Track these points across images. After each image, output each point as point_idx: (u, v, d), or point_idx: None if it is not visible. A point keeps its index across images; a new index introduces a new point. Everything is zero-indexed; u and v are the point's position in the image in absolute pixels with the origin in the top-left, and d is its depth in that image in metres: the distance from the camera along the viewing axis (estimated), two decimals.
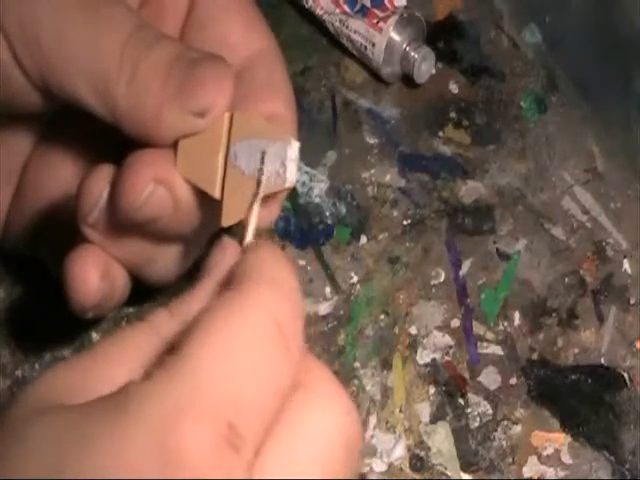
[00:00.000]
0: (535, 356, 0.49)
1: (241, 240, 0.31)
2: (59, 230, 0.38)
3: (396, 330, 0.49)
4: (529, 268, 0.51)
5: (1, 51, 0.35)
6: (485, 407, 0.48)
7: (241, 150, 0.33)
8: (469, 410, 0.48)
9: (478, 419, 0.47)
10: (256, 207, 0.32)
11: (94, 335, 0.48)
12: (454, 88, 0.56)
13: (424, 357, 0.49)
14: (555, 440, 0.47)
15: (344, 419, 0.27)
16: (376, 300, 0.50)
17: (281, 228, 0.51)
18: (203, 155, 0.34)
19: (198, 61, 0.34)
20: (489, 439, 0.47)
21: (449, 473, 0.46)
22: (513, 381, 0.48)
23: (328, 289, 0.50)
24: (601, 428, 0.47)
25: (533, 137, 0.55)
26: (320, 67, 0.57)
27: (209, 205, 0.35)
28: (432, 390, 0.48)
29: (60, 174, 0.40)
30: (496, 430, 0.47)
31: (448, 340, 0.49)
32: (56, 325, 0.46)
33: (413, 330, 0.49)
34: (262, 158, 0.32)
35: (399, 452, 0.47)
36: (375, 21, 0.54)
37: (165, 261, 0.38)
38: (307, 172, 0.53)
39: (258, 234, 0.33)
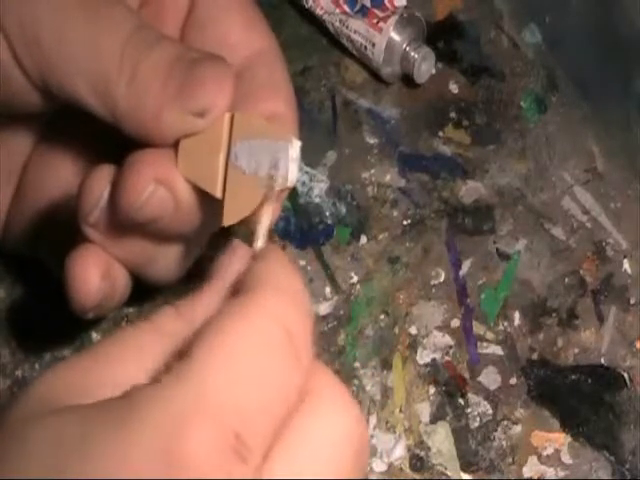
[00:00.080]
0: (535, 356, 0.49)
1: (249, 242, 0.31)
2: (59, 230, 0.38)
3: (396, 330, 0.49)
4: (529, 268, 0.51)
5: (1, 51, 0.35)
6: (485, 407, 0.48)
7: (242, 150, 0.33)
8: (469, 410, 0.48)
9: (478, 419, 0.48)
10: (267, 212, 0.32)
11: (94, 335, 0.48)
12: (454, 88, 0.56)
13: (424, 357, 0.49)
14: (555, 440, 0.47)
15: (352, 426, 0.27)
16: (376, 300, 0.50)
17: (281, 228, 0.51)
18: (204, 155, 0.34)
19: (198, 61, 0.34)
20: (489, 439, 0.47)
21: (449, 473, 0.46)
22: (513, 381, 0.48)
23: (328, 289, 0.50)
24: (601, 428, 0.47)
25: (533, 137, 0.55)
26: (320, 67, 0.57)
27: (210, 205, 0.34)
28: (432, 390, 0.48)
29: (60, 174, 0.40)
30: (496, 430, 0.47)
31: (448, 340, 0.49)
32: (56, 325, 0.46)
33: (413, 330, 0.49)
34: (274, 163, 0.32)
35: (399, 452, 0.47)
36: (375, 21, 0.54)
37: (166, 261, 0.38)
38: (307, 172, 0.53)
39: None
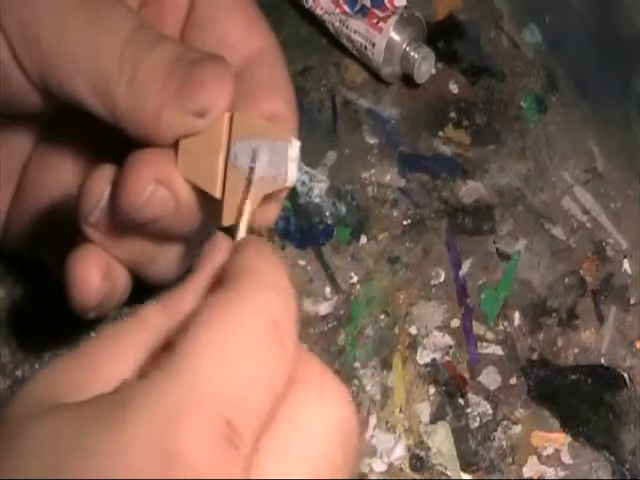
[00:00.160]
0: (535, 356, 0.49)
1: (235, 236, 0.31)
2: (59, 230, 0.38)
3: (396, 330, 0.49)
4: (529, 268, 0.51)
5: (1, 51, 0.35)
6: (485, 407, 0.48)
7: (241, 150, 0.33)
8: (469, 410, 0.48)
9: (478, 419, 0.48)
10: (248, 204, 0.32)
11: (94, 335, 0.48)
12: (454, 88, 0.56)
13: (424, 357, 0.49)
14: (555, 440, 0.47)
15: (341, 413, 0.27)
16: (376, 300, 0.50)
17: (281, 228, 0.51)
18: (203, 155, 0.34)
19: (198, 61, 0.34)
20: (489, 439, 0.47)
21: (449, 473, 0.46)
22: (513, 381, 0.48)
23: (328, 289, 0.50)
24: (601, 428, 0.47)
25: (533, 137, 0.55)
26: (320, 67, 0.57)
27: (210, 205, 0.35)
28: (432, 390, 0.48)
29: (60, 174, 0.40)
30: (496, 430, 0.47)
31: (448, 340, 0.49)
32: (56, 325, 0.46)
33: (413, 330, 0.49)
34: (253, 156, 0.32)
35: (399, 452, 0.47)
36: (375, 21, 0.54)
37: (166, 260, 0.38)
38: (307, 172, 0.53)
39: (259, 233, 0.33)
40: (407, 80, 0.56)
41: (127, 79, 0.34)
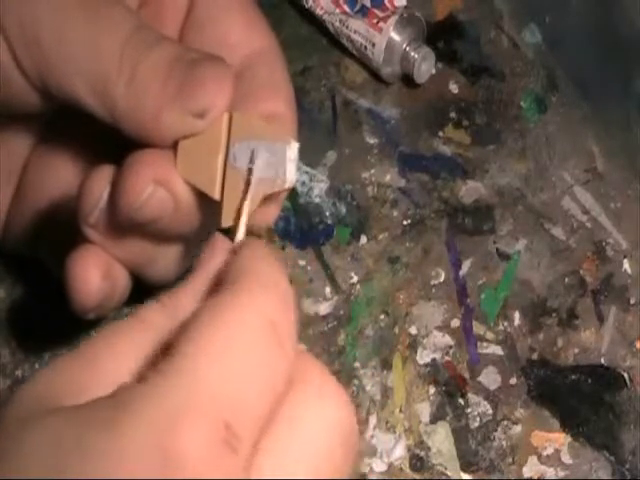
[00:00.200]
0: (535, 356, 0.49)
1: (234, 237, 0.31)
2: (59, 230, 0.38)
3: (396, 330, 0.49)
4: (529, 268, 0.51)
5: (1, 52, 0.35)
6: (485, 407, 0.48)
7: (240, 151, 0.33)
8: (469, 410, 0.48)
9: (478, 419, 0.48)
10: (247, 205, 0.32)
11: (94, 335, 0.48)
12: (454, 88, 0.56)
13: (424, 357, 0.49)
14: (555, 440, 0.47)
15: (340, 413, 0.27)
16: (376, 300, 0.50)
17: (281, 228, 0.51)
18: (203, 156, 0.34)
19: (197, 62, 0.34)
20: (489, 439, 0.47)
21: (449, 473, 0.46)
22: (513, 381, 0.48)
23: (328, 289, 0.50)
24: (601, 428, 0.47)
25: (533, 137, 0.55)
26: (320, 67, 0.57)
27: (209, 205, 0.35)
28: (432, 390, 0.48)
29: (60, 174, 0.40)
30: (496, 430, 0.47)
31: (448, 340, 0.49)
32: (56, 325, 0.46)
33: (413, 330, 0.49)
34: (252, 157, 0.32)
35: (399, 452, 0.47)
36: (375, 21, 0.54)
37: (166, 261, 0.38)
38: (307, 172, 0.53)
39: (258, 234, 0.33)
40: (407, 80, 0.56)
41: (126, 79, 0.34)
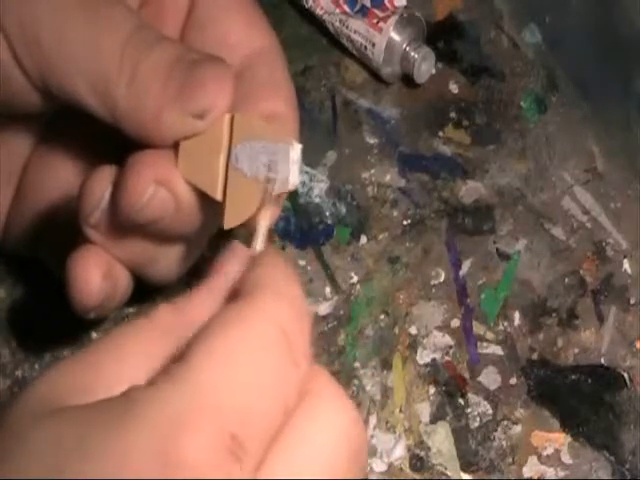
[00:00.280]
0: (535, 356, 0.49)
1: (249, 243, 0.31)
2: (60, 231, 0.38)
3: (396, 330, 0.49)
4: (529, 268, 0.51)
5: (1, 51, 0.35)
6: (485, 407, 0.48)
7: (242, 152, 0.33)
8: (469, 410, 0.48)
9: (478, 419, 0.48)
10: (265, 215, 0.32)
11: (94, 335, 0.48)
12: (454, 88, 0.56)
13: (424, 357, 0.49)
14: (555, 440, 0.47)
15: (350, 427, 0.27)
16: (376, 300, 0.50)
17: (281, 228, 0.51)
18: (204, 156, 0.34)
19: (198, 62, 0.34)
20: (489, 439, 0.47)
21: (449, 473, 0.46)
22: (513, 381, 0.49)
23: (328, 289, 0.50)
24: (601, 428, 0.47)
25: (533, 137, 0.55)
26: (320, 67, 0.57)
27: (210, 206, 0.34)
28: (432, 390, 0.48)
29: (60, 175, 0.40)
30: (496, 430, 0.47)
31: (448, 340, 0.49)
32: (57, 325, 0.46)
33: (413, 330, 0.49)
34: (270, 165, 0.32)
35: (399, 452, 0.47)
36: (375, 21, 0.54)
37: (167, 261, 0.38)
38: (307, 172, 0.53)
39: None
40: (407, 80, 0.56)
41: (127, 79, 0.34)
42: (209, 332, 0.26)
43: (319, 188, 0.53)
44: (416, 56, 0.54)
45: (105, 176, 0.35)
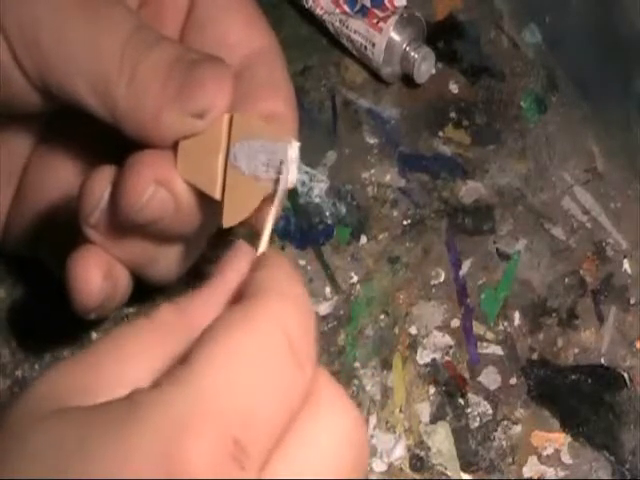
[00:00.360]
0: (535, 356, 0.49)
1: (250, 243, 0.31)
2: (60, 231, 0.38)
3: (396, 330, 0.49)
4: (529, 268, 0.51)
5: (1, 52, 0.35)
6: (485, 407, 0.48)
7: (241, 151, 0.33)
8: (469, 410, 0.48)
9: (478, 419, 0.48)
10: (271, 218, 0.32)
11: (94, 335, 0.48)
12: (454, 88, 0.56)
13: (424, 357, 0.49)
14: (555, 440, 0.47)
15: (352, 430, 0.27)
16: (376, 300, 0.50)
17: (281, 228, 0.51)
18: (203, 156, 0.34)
19: (197, 62, 0.34)
20: (489, 439, 0.47)
21: (449, 473, 0.46)
22: (513, 381, 0.48)
23: (328, 289, 0.50)
24: (601, 428, 0.47)
25: (533, 137, 0.55)
26: (320, 67, 0.57)
27: (210, 205, 0.35)
28: (432, 390, 0.48)
29: (60, 175, 0.40)
30: (496, 430, 0.47)
31: (448, 340, 0.49)
32: (57, 325, 0.46)
33: (413, 330, 0.49)
34: (268, 164, 0.32)
35: (399, 452, 0.47)
36: (375, 21, 0.54)
37: (167, 261, 0.38)
38: (307, 172, 0.53)
39: (258, 234, 0.32)
40: (407, 80, 0.56)
41: (127, 80, 0.34)
42: (213, 334, 0.26)
43: (319, 188, 0.53)
44: (416, 56, 0.54)
45: (105, 176, 0.35)
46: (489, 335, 0.50)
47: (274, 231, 0.50)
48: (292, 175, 0.32)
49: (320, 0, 0.56)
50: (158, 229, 0.35)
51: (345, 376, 0.48)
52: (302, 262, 0.51)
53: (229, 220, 0.33)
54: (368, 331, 0.49)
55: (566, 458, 0.47)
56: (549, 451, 0.47)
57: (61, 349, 0.48)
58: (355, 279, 0.51)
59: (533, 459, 0.47)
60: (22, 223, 0.41)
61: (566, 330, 0.50)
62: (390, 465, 0.46)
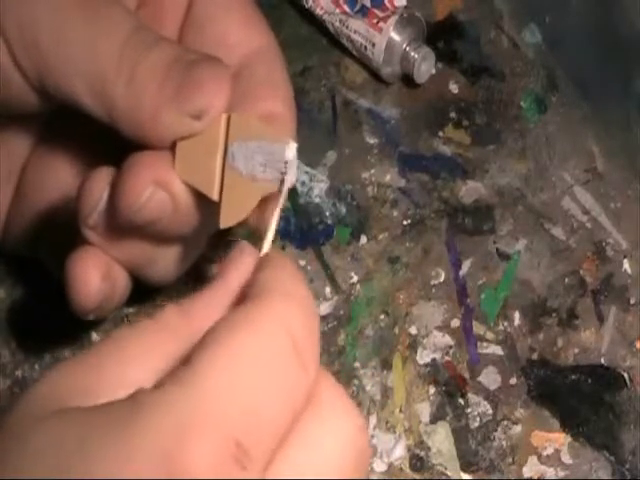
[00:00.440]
0: (535, 356, 0.49)
1: (252, 243, 0.31)
2: (59, 231, 0.38)
3: (396, 330, 0.49)
4: (529, 268, 0.51)
5: (0, 53, 0.35)
6: (485, 407, 0.48)
7: (239, 152, 0.33)
8: (469, 410, 0.48)
9: (478, 419, 0.48)
10: (274, 219, 0.32)
11: (94, 336, 0.48)
12: (454, 88, 0.56)
13: (424, 357, 0.49)
14: (555, 440, 0.47)
15: (354, 432, 0.27)
16: (376, 300, 0.50)
17: (281, 228, 0.51)
18: (201, 157, 0.34)
19: (195, 63, 0.34)
20: (489, 439, 0.47)
21: (449, 473, 0.46)
22: (513, 381, 0.48)
23: (328, 289, 0.50)
24: (601, 428, 0.47)
25: (533, 137, 0.55)
26: (320, 67, 0.57)
27: (208, 206, 0.35)
28: (432, 390, 0.48)
29: (59, 175, 0.40)
30: (496, 430, 0.47)
31: (448, 340, 0.49)
32: (56, 326, 0.46)
33: (413, 330, 0.49)
34: (266, 165, 0.32)
35: (399, 452, 0.47)
36: (375, 21, 0.54)
37: (165, 262, 0.38)
38: (307, 172, 0.53)
39: (258, 234, 0.33)
40: (407, 80, 0.56)
41: (125, 80, 0.34)
42: (216, 335, 0.26)
43: (319, 188, 0.53)
44: (416, 56, 0.54)
45: (103, 177, 0.35)
46: (489, 335, 0.50)
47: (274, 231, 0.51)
48: (290, 176, 0.32)
49: (320, 0, 0.56)
50: (156, 230, 0.35)
51: (345, 376, 0.48)
52: (302, 262, 0.51)
53: (227, 221, 0.33)
54: (368, 331, 0.49)
55: (566, 458, 0.47)
56: (549, 451, 0.47)
57: (61, 349, 0.48)
58: (355, 279, 0.51)
59: (533, 459, 0.47)
60: (22, 223, 0.41)
61: (566, 330, 0.50)
62: (390, 465, 0.46)
